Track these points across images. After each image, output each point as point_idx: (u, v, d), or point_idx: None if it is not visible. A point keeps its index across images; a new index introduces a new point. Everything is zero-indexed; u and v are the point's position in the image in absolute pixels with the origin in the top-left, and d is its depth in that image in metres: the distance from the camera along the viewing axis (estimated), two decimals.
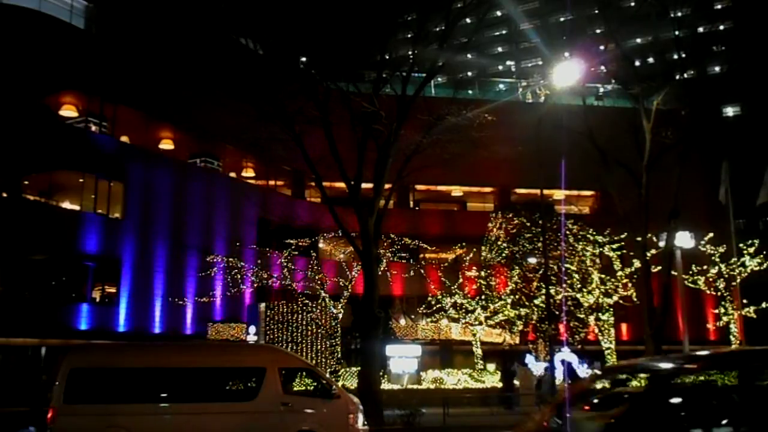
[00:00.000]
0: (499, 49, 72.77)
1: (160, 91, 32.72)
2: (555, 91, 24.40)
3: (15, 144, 27.41)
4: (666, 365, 7.77)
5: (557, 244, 31.88)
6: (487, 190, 47.10)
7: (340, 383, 23.01)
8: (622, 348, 36.71)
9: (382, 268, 29.65)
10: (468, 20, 28.00)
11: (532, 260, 32.70)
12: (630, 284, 30.78)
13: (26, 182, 29.75)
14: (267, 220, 38.14)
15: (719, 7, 61.29)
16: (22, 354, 28.64)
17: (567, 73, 21.33)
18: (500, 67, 66.78)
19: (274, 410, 12.54)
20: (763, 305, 31.56)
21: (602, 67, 27.04)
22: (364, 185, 21.42)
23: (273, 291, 36.24)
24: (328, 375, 22.92)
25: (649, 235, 26.17)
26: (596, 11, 28.13)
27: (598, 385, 9.70)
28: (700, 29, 36.72)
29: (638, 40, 54.11)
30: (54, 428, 11.91)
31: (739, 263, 31.57)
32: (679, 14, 26.87)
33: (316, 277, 31.41)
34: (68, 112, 31.85)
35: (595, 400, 12.25)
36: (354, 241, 22.46)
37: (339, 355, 29.77)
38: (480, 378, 29.53)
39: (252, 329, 31.34)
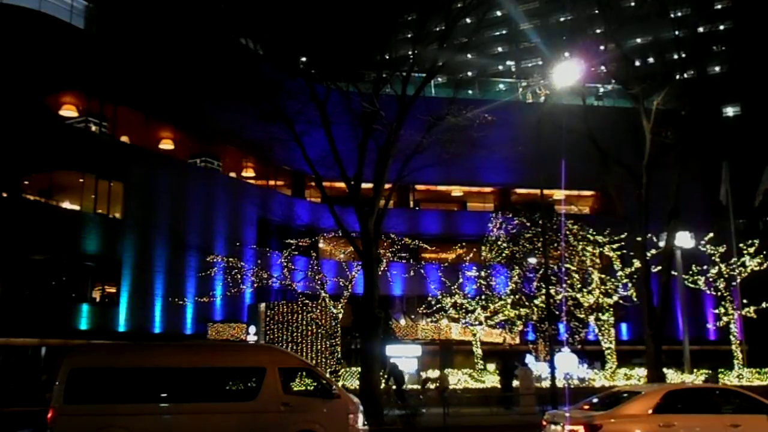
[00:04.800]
0: (499, 49, 72.79)
1: (160, 91, 32.72)
2: (555, 91, 24.42)
3: (15, 144, 27.41)
4: None
5: (557, 244, 31.89)
6: (487, 190, 47.12)
7: (340, 383, 23.02)
8: (622, 348, 36.75)
9: (382, 268, 29.65)
10: (468, 20, 28.00)
11: (532, 260, 32.68)
12: (630, 284, 30.78)
13: (26, 182, 29.73)
14: (267, 220, 38.14)
15: (719, 7, 61.29)
16: (22, 354, 28.64)
17: (567, 73, 21.37)
18: (500, 67, 66.79)
19: (274, 410, 12.54)
20: (763, 305, 31.55)
21: (602, 67, 27.01)
22: (364, 185, 21.43)
23: (273, 291, 36.26)
24: (328, 375, 22.92)
25: (649, 235, 26.17)
26: (596, 11, 28.09)
27: None
28: (700, 29, 36.69)
29: (638, 40, 54.13)
30: (54, 428, 11.90)
31: (739, 263, 31.56)
32: (679, 14, 26.85)
33: (316, 277, 31.40)
34: (68, 112, 31.85)
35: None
36: (354, 241, 22.48)
37: (339, 355, 29.76)
38: (480, 378, 29.49)
39: (252, 329, 31.35)
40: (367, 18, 22.12)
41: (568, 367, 28.73)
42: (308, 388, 14.01)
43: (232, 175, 40.11)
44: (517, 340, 36.35)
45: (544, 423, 12.04)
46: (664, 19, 28.04)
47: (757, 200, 36.87)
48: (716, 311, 33.03)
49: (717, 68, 57.24)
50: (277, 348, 20.11)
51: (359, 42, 23.06)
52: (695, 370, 29.56)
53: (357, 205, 21.19)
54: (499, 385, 27.88)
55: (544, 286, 25.48)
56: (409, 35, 25.18)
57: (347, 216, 23.04)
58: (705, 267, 32.20)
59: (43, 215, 29.32)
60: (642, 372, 28.93)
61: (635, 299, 29.98)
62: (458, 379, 29.42)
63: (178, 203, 34.40)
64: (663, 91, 25.03)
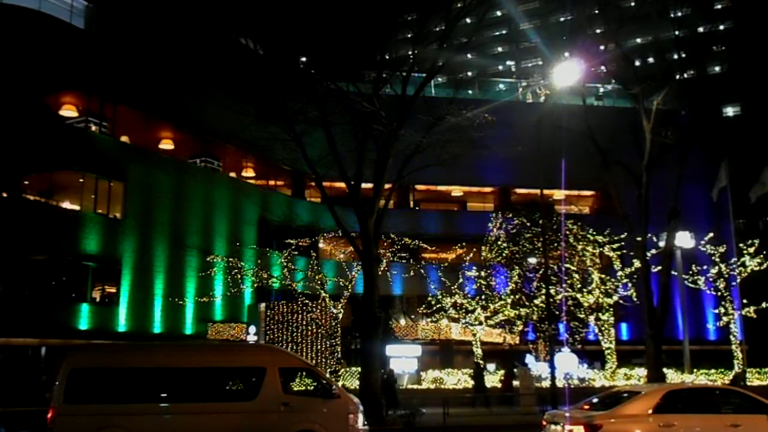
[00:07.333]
0: (499, 49, 72.75)
1: (160, 91, 32.71)
2: (555, 91, 24.42)
3: (15, 144, 27.40)
4: None
5: (557, 244, 31.90)
6: (487, 190, 47.10)
7: (340, 383, 23.01)
8: (622, 348, 36.75)
9: (382, 268, 29.65)
10: (468, 20, 27.99)
11: (532, 260, 32.69)
12: (630, 284, 30.79)
13: (26, 182, 29.72)
14: (267, 220, 38.14)
15: (719, 7, 61.27)
16: (22, 354, 28.63)
17: (567, 73, 21.39)
18: (500, 67, 66.78)
19: (274, 410, 12.54)
20: (763, 305, 31.56)
21: (602, 67, 27.05)
22: (364, 185, 21.44)
23: (273, 291, 36.25)
24: (328, 375, 22.91)
25: (649, 235, 26.18)
26: (596, 11, 28.12)
27: None
28: (700, 29, 36.67)
29: (638, 40, 54.07)
30: (54, 428, 11.89)
31: (739, 263, 31.57)
32: (679, 14, 26.86)
33: (316, 277, 31.41)
34: (68, 112, 31.81)
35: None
36: (354, 241, 22.48)
37: (339, 355, 29.78)
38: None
39: (252, 329, 31.36)
40: (367, 18, 22.13)
41: (568, 367, 28.76)
42: (308, 388, 14.00)
43: (232, 175, 40.09)
44: (517, 340, 36.35)
45: (544, 423, 12.03)
46: (664, 19, 28.06)
47: (753, 197, 36.94)
48: (716, 311, 33.05)
49: (717, 68, 57.19)
50: (277, 348, 20.11)
51: (359, 42, 23.08)
52: (695, 370, 29.59)
53: (357, 205, 21.20)
54: (499, 385, 27.92)
55: (544, 286, 25.50)
56: (409, 35, 25.18)
57: (347, 216, 23.03)
58: (705, 267, 32.21)
59: (43, 215, 29.31)
60: (642, 372, 28.94)
61: (635, 299, 30.00)
62: (458, 379, 29.45)
63: (178, 203, 34.37)
64: (663, 91, 25.06)
